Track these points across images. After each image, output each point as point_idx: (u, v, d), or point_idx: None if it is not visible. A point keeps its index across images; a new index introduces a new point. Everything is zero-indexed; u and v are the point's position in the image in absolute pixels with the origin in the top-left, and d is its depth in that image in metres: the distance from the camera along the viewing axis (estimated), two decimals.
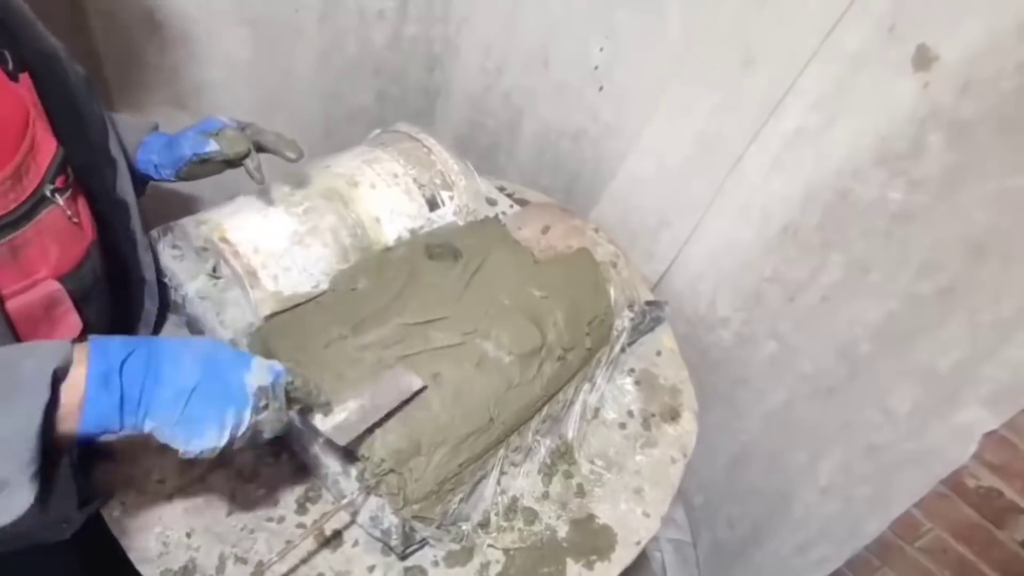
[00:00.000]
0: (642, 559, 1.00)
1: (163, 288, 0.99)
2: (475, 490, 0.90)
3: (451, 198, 1.12)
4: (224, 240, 0.92)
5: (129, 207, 0.86)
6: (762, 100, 1.24)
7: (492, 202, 1.25)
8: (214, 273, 0.94)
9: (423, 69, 1.55)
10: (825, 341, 1.27)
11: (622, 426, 1.10)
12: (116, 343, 0.61)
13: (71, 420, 0.57)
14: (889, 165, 1.12)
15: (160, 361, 0.62)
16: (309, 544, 0.86)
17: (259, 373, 0.67)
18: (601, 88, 1.48)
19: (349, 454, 0.83)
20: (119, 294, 0.88)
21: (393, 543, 0.84)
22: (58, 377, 0.55)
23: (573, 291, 1.04)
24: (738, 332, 1.48)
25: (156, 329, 1.00)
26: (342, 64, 1.46)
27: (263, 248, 0.93)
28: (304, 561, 0.84)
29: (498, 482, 0.93)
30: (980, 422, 1.00)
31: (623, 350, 1.14)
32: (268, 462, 0.92)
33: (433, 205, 1.11)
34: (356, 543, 0.87)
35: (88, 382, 0.57)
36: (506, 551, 0.91)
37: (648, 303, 1.20)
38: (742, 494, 1.55)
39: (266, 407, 0.67)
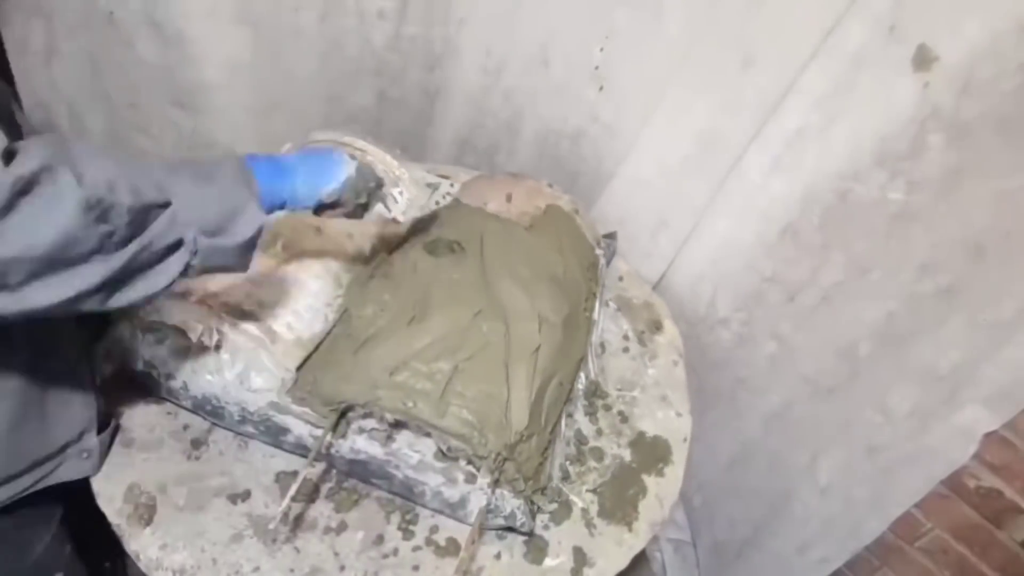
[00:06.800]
0: (642, 559, 1.00)
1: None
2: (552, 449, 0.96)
3: (401, 193, 1.07)
4: (224, 313, 0.88)
5: None
6: (762, 100, 1.24)
7: (433, 186, 1.22)
8: (216, 349, 0.89)
9: (423, 69, 1.55)
10: (825, 341, 1.27)
11: (625, 350, 1.23)
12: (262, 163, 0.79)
13: None
14: (889, 165, 1.12)
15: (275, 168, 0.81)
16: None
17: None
18: (601, 88, 1.48)
19: (446, 459, 0.86)
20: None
21: (520, 523, 0.88)
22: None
23: (567, 245, 1.13)
24: (738, 332, 1.47)
25: None
26: (342, 64, 1.46)
27: (265, 303, 0.92)
28: None
29: (563, 436, 1.00)
30: (980, 422, 1.00)
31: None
32: (347, 508, 0.92)
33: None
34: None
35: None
36: (593, 490, 1.00)
37: (606, 236, 1.32)
38: (742, 494, 1.55)
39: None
